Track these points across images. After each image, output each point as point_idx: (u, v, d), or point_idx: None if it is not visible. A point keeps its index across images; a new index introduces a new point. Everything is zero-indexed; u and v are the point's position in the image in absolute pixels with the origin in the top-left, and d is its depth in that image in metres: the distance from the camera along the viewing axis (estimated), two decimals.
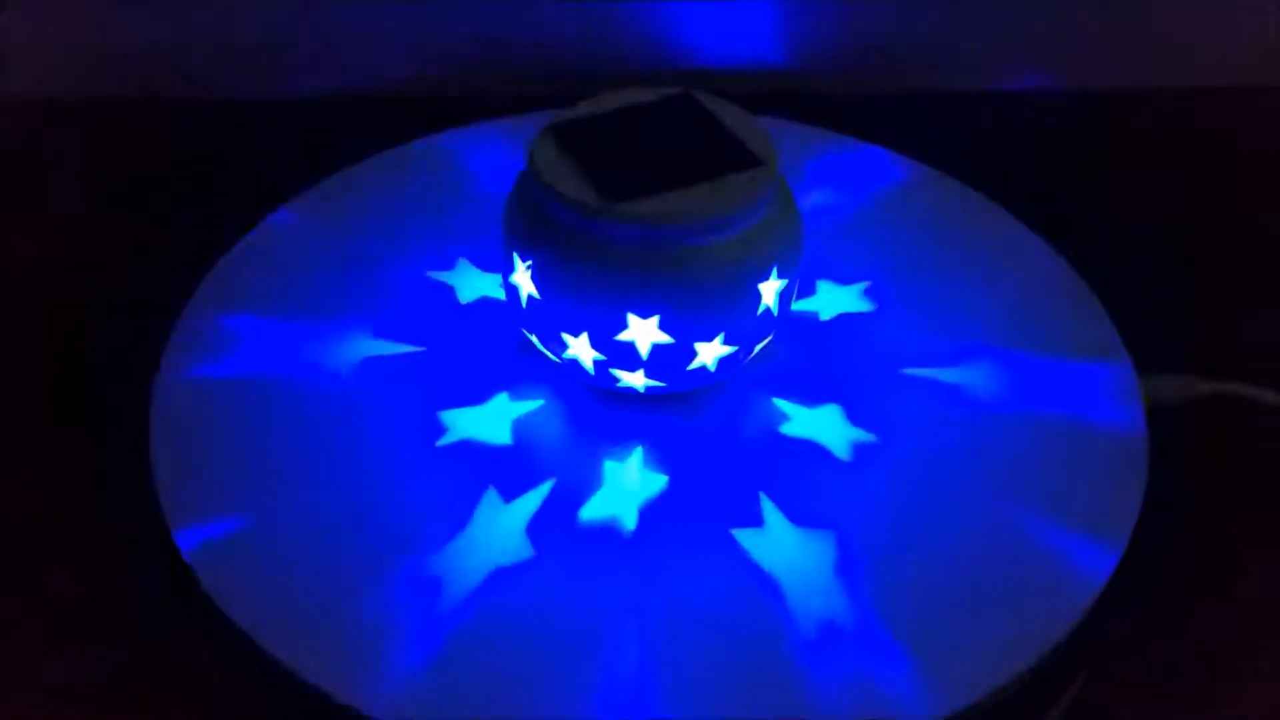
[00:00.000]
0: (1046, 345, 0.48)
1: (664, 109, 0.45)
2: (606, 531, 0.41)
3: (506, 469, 0.43)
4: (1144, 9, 0.64)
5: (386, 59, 0.62)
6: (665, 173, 0.41)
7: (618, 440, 0.44)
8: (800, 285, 0.50)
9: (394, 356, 0.47)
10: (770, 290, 0.43)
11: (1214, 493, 0.46)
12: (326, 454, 0.43)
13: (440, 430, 0.44)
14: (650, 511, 0.42)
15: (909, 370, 0.47)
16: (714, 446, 0.44)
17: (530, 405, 0.45)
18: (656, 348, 0.42)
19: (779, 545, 0.41)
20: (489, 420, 0.45)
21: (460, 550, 0.41)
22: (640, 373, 0.43)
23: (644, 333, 0.41)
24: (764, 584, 0.40)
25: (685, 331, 0.42)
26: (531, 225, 0.42)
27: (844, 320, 0.49)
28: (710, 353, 0.43)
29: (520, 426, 0.45)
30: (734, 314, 0.42)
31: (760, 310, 0.43)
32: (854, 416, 0.46)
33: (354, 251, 0.51)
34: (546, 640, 0.38)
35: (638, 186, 0.41)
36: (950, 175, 0.55)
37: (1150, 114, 0.64)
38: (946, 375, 0.47)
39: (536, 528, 0.41)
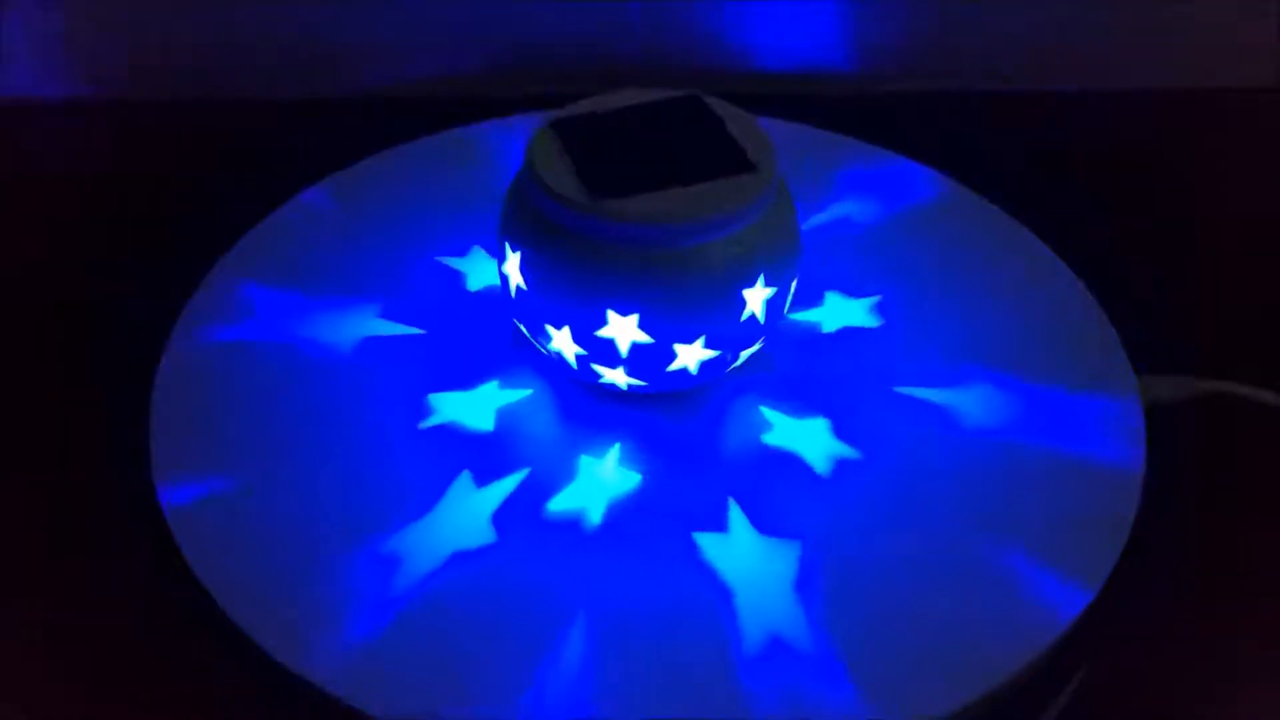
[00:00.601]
0: (1052, 375, 0.47)
1: (668, 110, 0.45)
2: (571, 524, 0.42)
3: (484, 455, 0.44)
4: (1145, 10, 0.63)
5: (402, 58, 0.63)
6: (657, 173, 0.42)
7: (598, 436, 0.45)
8: (807, 295, 0.50)
9: (395, 337, 0.48)
10: (757, 297, 0.42)
11: (1213, 492, 0.46)
12: (314, 425, 0.45)
13: (427, 412, 0.45)
14: (618, 508, 0.42)
15: (904, 389, 0.47)
16: (693, 449, 0.44)
17: (518, 395, 0.46)
18: (636, 346, 0.42)
19: (740, 553, 0.41)
20: (475, 406, 0.45)
21: (425, 530, 0.41)
22: (621, 370, 0.43)
23: (623, 330, 0.42)
24: (718, 590, 0.40)
25: (665, 332, 0.42)
26: (522, 216, 0.42)
27: (846, 334, 0.49)
28: (691, 355, 0.43)
29: (504, 415, 0.45)
30: (716, 318, 0.42)
31: (745, 317, 0.42)
32: (840, 431, 0.45)
33: (374, 234, 0.52)
34: (494, 626, 0.39)
35: (627, 185, 0.41)
36: (957, 179, 0.55)
37: (1150, 114, 0.64)
38: (942, 397, 0.46)
39: (503, 515, 0.42)
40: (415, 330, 0.48)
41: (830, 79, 0.65)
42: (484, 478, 0.43)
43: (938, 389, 0.47)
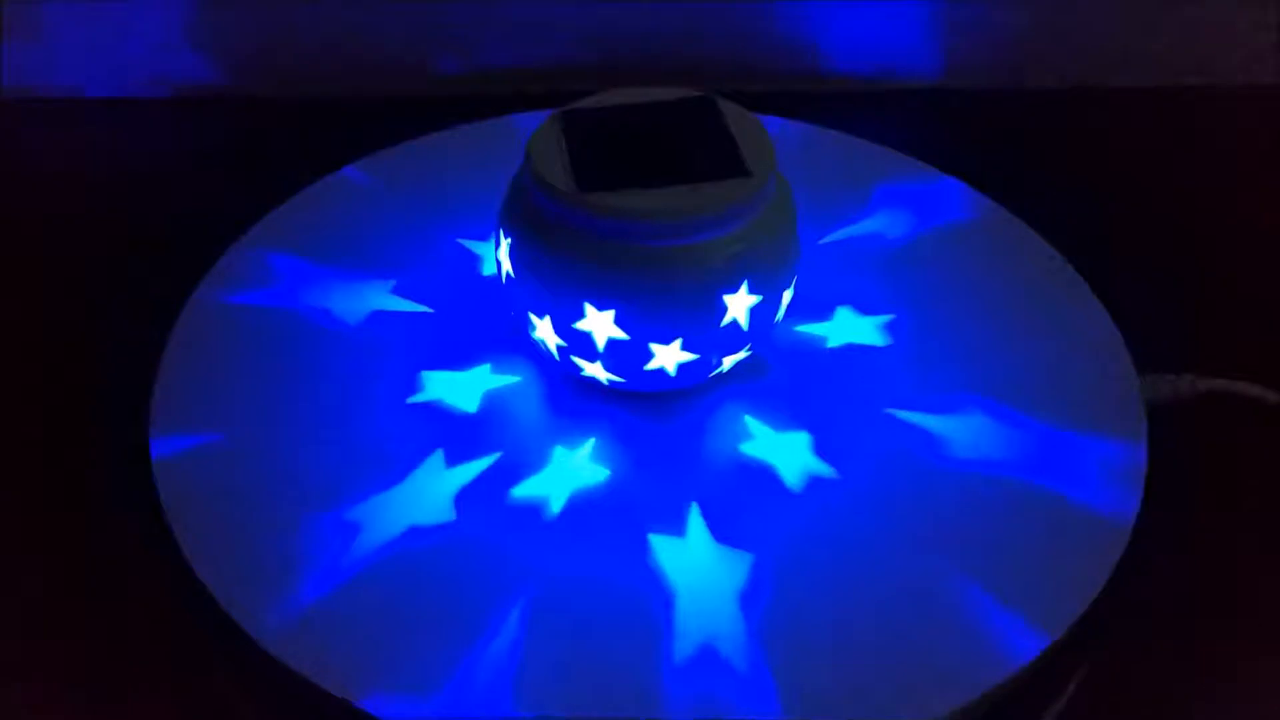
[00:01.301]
0: (1057, 414, 0.45)
1: (677, 109, 0.45)
2: (530, 511, 0.42)
3: (461, 435, 0.44)
4: (1146, 9, 0.64)
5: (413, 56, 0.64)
6: (649, 171, 0.42)
7: (576, 428, 0.45)
8: (818, 308, 0.49)
9: (403, 313, 0.49)
10: (740, 304, 0.42)
11: (1213, 492, 0.46)
12: (308, 390, 0.46)
13: (416, 388, 0.46)
14: (579, 501, 0.42)
15: (897, 412, 0.46)
16: (667, 451, 0.44)
17: (507, 380, 0.46)
18: (612, 342, 0.42)
19: (691, 559, 0.41)
20: (463, 387, 0.46)
21: (387, 501, 0.42)
22: (599, 364, 0.43)
23: (600, 325, 0.42)
24: (661, 593, 0.40)
25: (641, 330, 0.42)
26: (515, 203, 0.43)
27: (849, 350, 0.48)
28: (669, 357, 0.42)
29: (490, 398, 0.46)
30: (694, 322, 0.42)
31: (726, 322, 0.42)
32: (820, 448, 0.44)
33: (403, 212, 0.53)
34: (433, 604, 0.39)
35: (616, 179, 0.41)
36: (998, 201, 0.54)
37: (1150, 113, 0.64)
38: (935, 424, 0.45)
39: (466, 495, 0.42)
40: (423, 308, 0.49)
41: (827, 78, 0.65)
42: (456, 457, 0.44)
43: (932, 415, 0.45)
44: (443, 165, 0.56)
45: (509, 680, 0.37)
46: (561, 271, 0.42)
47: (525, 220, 0.42)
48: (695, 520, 0.42)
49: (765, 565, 0.41)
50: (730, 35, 0.64)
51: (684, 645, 0.38)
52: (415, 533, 0.41)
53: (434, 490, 0.43)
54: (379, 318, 0.49)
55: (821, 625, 0.39)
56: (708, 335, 0.42)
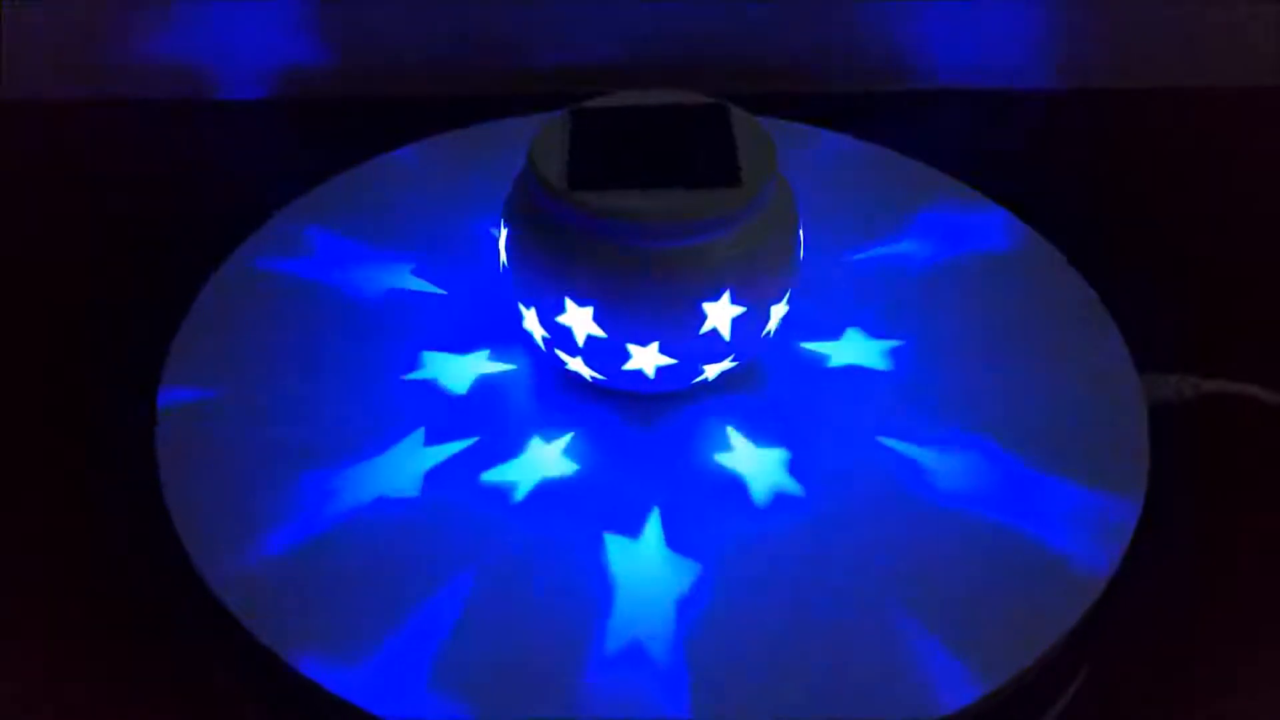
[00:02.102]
0: (1052, 459, 0.44)
1: (687, 114, 0.45)
2: (495, 496, 0.43)
3: (444, 415, 0.45)
4: (1145, 9, 0.64)
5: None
6: (644, 173, 0.42)
7: (557, 421, 0.45)
8: (827, 327, 0.49)
9: (418, 293, 0.50)
10: (721, 314, 0.42)
11: (1214, 492, 0.46)
12: (313, 358, 0.47)
13: (414, 366, 0.47)
14: (544, 491, 0.43)
15: (884, 439, 0.45)
16: (642, 453, 0.44)
17: (501, 368, 0.47)
18: (591, 339, 0.43)
19: (640, 561, 0.41)
20: (458, 370, 0.47)
21: (363, 471, 0.43)
22: (580, 360, 0.44)
23: (580, 321, 0.42)
24: (602, 590, 0.40)
25: (618, 330, 0.42)
26: (515, 196, 0.44)
27: (851, 372, 0.47)
28: (647, 359, 0.43)
29: (480, 383, 0.47)
30: (672, 327, 0.42)
31: (705, 330, 0.42)
32: (795, 466, 0.44)
33: (441, 197, 0.55)
34: (382, 574, 0.40)
35: (608, 179, 0.42)
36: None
37: (1150, 113, 0.64)
38: (921, 456, 0.44)
39: (437, 473, 0.43)
40: (438, 290, 0.50)
41: (822, 78, 0.65)
42: (436, 436, 0.45)
43: (920, 447, 0.44)
44: (490, 155, 0.56)
45: (428, 657, 0.38)
46: (546, 264, 0.42)
47: (520, 212, 0.43)
48: (653, 524, 0.42)
49: (710, 575, 0.40)
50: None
51: (614, 643, 0.38)
52: (381, 504, 0.42)
53: (408, 465, 0.44)
54: (396, 295, 0.50)
55: (751, 640, 0.39)
56: (686, 342, 0.42)
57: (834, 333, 0.49)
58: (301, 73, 0.65)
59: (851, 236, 0.53)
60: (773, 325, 0.44)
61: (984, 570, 0.41)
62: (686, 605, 0.40)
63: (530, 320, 0.44)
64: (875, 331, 0.49)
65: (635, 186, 0.41)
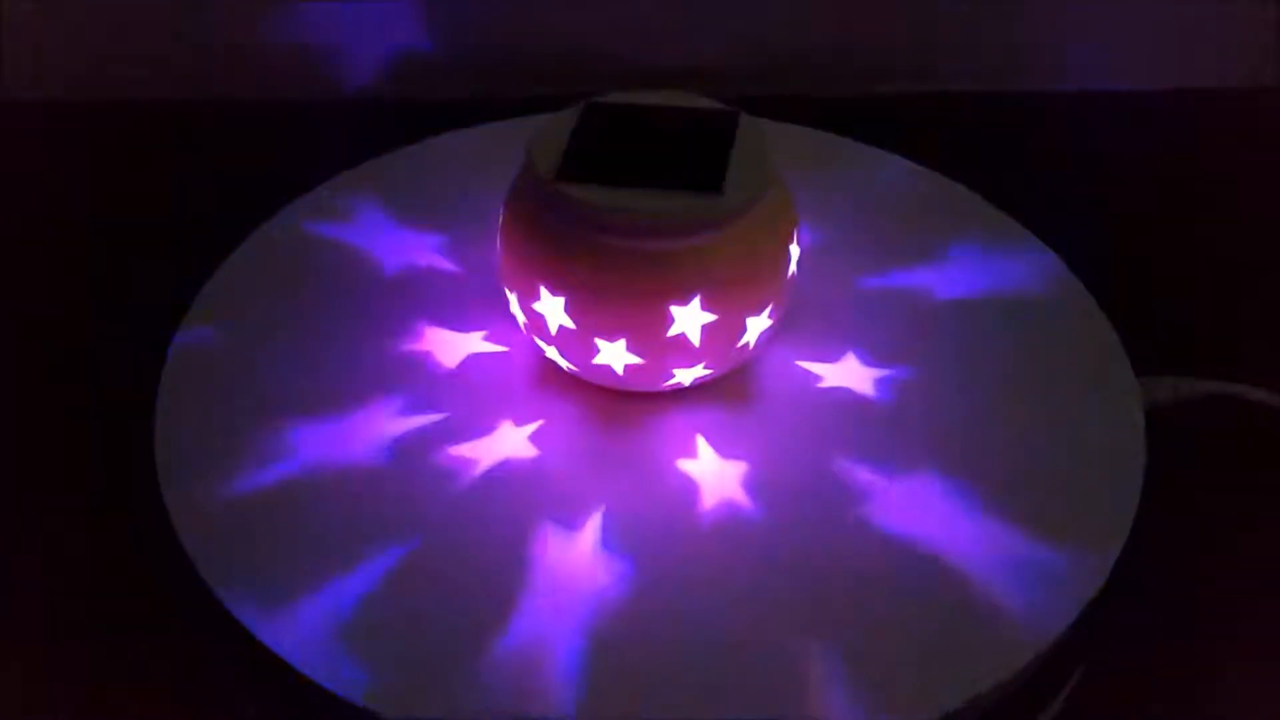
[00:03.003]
0: (1022, 510, 0.42)
1: (697, 118, 0.45)
2: (450, 471, 0.44)
3: (427, 387, 0.46)
4: (1145, 10, 0.64)
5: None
6: (633, 172, 0.42)
7: (531, 408, 0.46)
8: (829, 349, 0.48)
9: (438, 268, 0.52)
10: (689, 319, 0.42)
11: (1213, 493, 0.46)
12: (323, 317, 0.49)
13: (416, 337, 0.49)
14: (498, 473, 0.43)
15: (852, 467, 0.44)
16: (605, 450, 0.45)
17: (493, 349, 0.48)
18: (562, 329, 0.43)
19: (571, 554, 0.41)
20: (452, 346, 0.48)
21: (336, 428, 0.45)
22: (554, 349, 0.44)
23: (553, 310, 0.43)
24: (519, 578, 0.40)
25: (587, 323, 0.42)
26: (514, 182, 0.45)
27: (838, 395, 0.47)
28: (614, 355, 0.43)
29: (470, 361, 0.48)
30: (638, 326, 0.42)
31: (673, 333, 0.42)
32: (749, 480, 0.43)
33: (487, 178, 0.55)
34: (325, 532, 0.42)
35: (595, 174, 0.42)
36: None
37: (1151, 114, 0.65)
38: (883, 489, 0.43)
39: (403, 441, 0.44)
40: (458, 269, 0.52)
41: (820, 78, 0.65)
42: (413, 408, 0.46)
43: (887, 479, 0.43)
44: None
45: (341, 617, 0.39)
46: (526, 251, 0.43)
47: (513, 198, 0.44)
48: (595, 520, 0.42)
49: (635, 577, 0.40)
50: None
51: (520, 630, 0.39)
52: (343, 464, 0.44)
53: (378, 430, 0.45)
54: (416, 269, 0.52)
55: (654, 647, 0.38)
56: (654, 343, 0.42)
57: (834, 355, 0.48)
58: (307, 72, 0.66)
59: (877, 260, 0.52)
60: (751, 338, 0.44)
61: (911, 610, 0.40)
62: (602, 604, 0.39)
63: (514, 304, 0.45)
64: (876, 359, 0.48)
65: (619, 184, 0.42)
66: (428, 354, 0.48)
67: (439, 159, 0.57)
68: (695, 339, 0.42)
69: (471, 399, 0.46)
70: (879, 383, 0.47)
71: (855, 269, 0.51)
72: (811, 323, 0.49)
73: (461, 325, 0.49)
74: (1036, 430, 0.45)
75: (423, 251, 0.52)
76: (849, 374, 0.47)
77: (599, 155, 0.43)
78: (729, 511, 0.42)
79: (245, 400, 0.46)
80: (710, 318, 0.42)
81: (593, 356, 0.43)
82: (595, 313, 0.42)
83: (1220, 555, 0.44)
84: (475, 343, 0.48)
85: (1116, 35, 0.65)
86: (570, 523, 0.42)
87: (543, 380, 0.47)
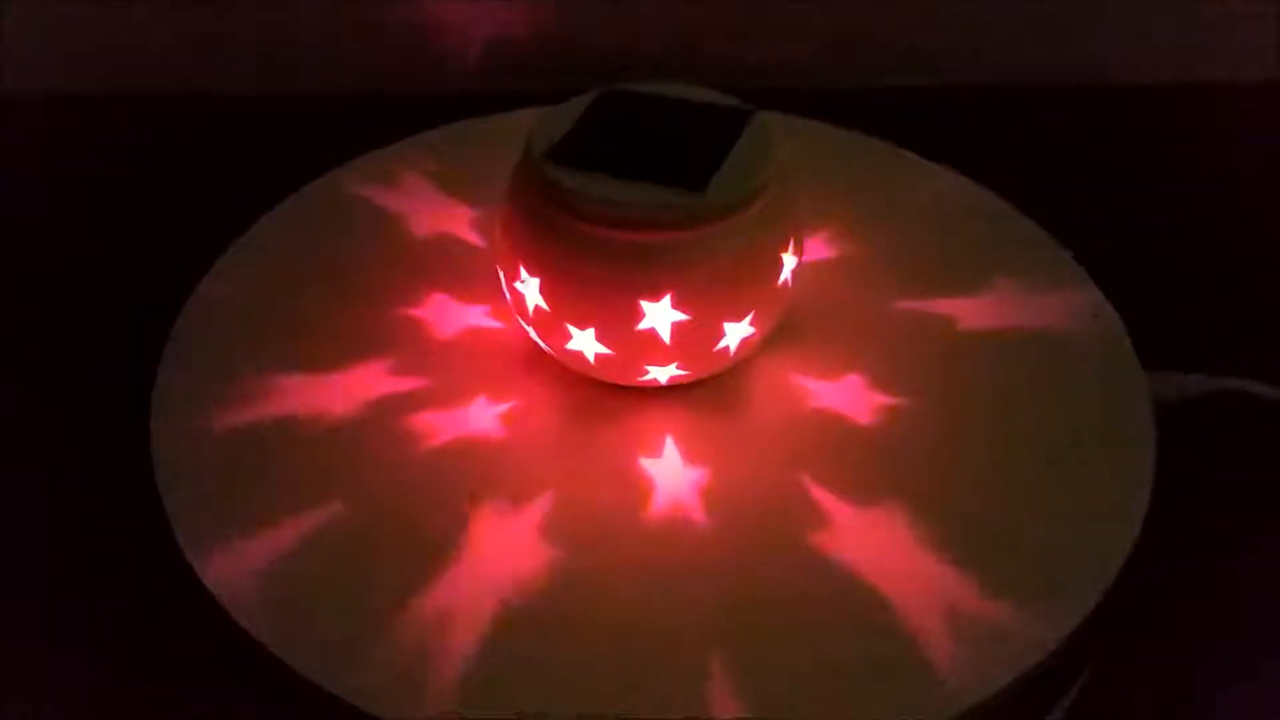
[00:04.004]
0: (984, 568, 0.40)
1: (709, 114, 0.44)
2: (414, 437, 0.44)
3: (417, 355, 0.47)
4: (1145, 6, 0.65)
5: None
6: (624, 162, 0.41)
7: (509, 388, 0.46)
8: (832, 367, 0.47)
9: (464, 242, 0.52)
10: (660, 315, 0.41)
11: (1218, 489, 0.46)
12: (340, 275, 0.50)
13: (420, 303, 0.49)
14: (456, 447, 0.43)
15: (814, 489, 0.42)
16: (571, 439, 0.44)
17: (491, 324, 0.48)
18: (538, 309, 0.43)
19: (500, 536, 0.40)
20: (452, 316, 0.48)
21: (319, 382, 0.46)
22: (533, 330, 0.44)
23: (530, 291, 0.43)
24: (450, 548, 0.40)
25: (559, 307, 0.42)
26: (517, 161, 0.45)
27: (827, 416, 0.45)
28: (585, 343, 0.42)
29: (464, 334, 0.48)
30: (606, 316, 0.42)
31: (642, 327, 0.41)
32: (708, 489, 0.42)
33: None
34: (272, 476, 0.42)
35: (586, 160, 0.41)
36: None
37: (1154, 111, 0.65)
38: (838, 517, 0.41)
39: (377, 402, 0.45)
40: (481, 242, 0.52)
41: (822, 72, 0.65)
42: (396, 370, 0.46)
43: (850, 507, 0.41)
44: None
45: (262, 564, 0.39)
46: (511, 229, 0.43)
47: (512, 176, 0.44)
48: (533, 509, 0.41)
49: (565, 567, 0.40)
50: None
51: (420, 607, 0.38)
52: (317, 416, 0.44)
53: (357, 388, 0.45)
54: (444, 238, 0.52)
55: (563, 636, 0.38)
56: (623, 335, 0.42)
57: (834, 373, 0.46)
58: (307, 70, 0.66)
59: (905, 280, 0.50)
60: (730, 343, 0.43)
61: (829, 648, 0.38)
62: (521, 585, 0.39)
63: (502, 281, 0.45)
64: (878, 384, 0.46)
65: (608, 172, 0.41)
66: (426, 321, 0.48)
67: (498, 135, 0.57)
68: (666, 336, 0.41)
69: (456, 370, 0.46)
70: (874, 409, 0.45)
71: (880, 287, 0.50)
72: (817, 337, 0.47)
73: (467, 298, 0.49)
74: (1029, 487, 0.42)
75: (454, 223, 0.53)
76: (844, 395, 0.45)
77: (598, 142, 0.43)
78: (677, 515, 0.41)
79: (245, 347, 0.47)
80: (682, 317, 0.41)
81: (565, 341, 0.43)
82: (567, 298, 0.42)
83: (1229, 553, 0.44)
84: (475, 316, 0.49)
85: (1116, 32, 0.65)
86: (516, 502, 0.42)
87: (528, 362, 0.46)
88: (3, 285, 0.56)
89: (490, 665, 0.37)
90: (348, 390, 0.45)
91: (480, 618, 0.38)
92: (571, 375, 0.45)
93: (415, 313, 0.49)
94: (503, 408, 0.45)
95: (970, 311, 0.49)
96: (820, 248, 0.52)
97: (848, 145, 0.56)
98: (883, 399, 0.45)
